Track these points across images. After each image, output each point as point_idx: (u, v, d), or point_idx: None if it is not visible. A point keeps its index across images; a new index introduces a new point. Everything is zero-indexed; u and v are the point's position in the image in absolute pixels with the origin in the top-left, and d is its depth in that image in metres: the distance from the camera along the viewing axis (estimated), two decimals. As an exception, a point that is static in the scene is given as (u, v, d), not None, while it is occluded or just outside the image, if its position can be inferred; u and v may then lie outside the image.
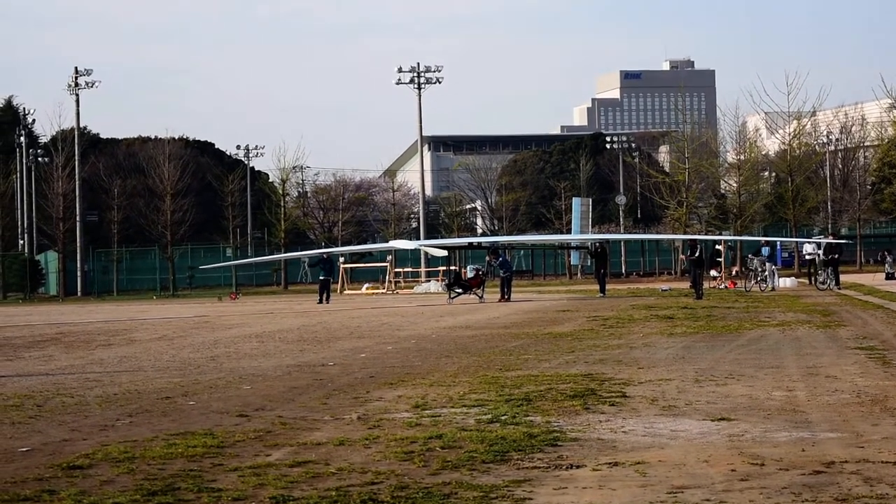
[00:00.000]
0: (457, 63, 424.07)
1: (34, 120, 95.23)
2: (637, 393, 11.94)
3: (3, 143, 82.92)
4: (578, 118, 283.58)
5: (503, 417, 10.25)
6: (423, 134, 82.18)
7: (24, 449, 9.21)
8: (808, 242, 50.91)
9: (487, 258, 44.79)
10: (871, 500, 6.76)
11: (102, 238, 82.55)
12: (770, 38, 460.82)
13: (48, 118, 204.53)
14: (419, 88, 78.25)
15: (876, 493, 6.90)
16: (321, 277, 45.10)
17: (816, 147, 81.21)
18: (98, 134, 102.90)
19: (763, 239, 48.44)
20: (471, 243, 54.84)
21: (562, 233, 75.14)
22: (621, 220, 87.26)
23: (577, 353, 17.15)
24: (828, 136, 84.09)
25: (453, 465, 8.06)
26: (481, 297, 39.86)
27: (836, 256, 43.15)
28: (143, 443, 9.32)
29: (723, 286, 46.86)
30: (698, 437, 9.13)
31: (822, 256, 43.95)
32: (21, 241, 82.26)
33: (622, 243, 77.05)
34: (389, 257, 61.70)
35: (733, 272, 54.60)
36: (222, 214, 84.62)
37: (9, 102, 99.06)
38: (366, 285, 62.38)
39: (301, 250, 74.40)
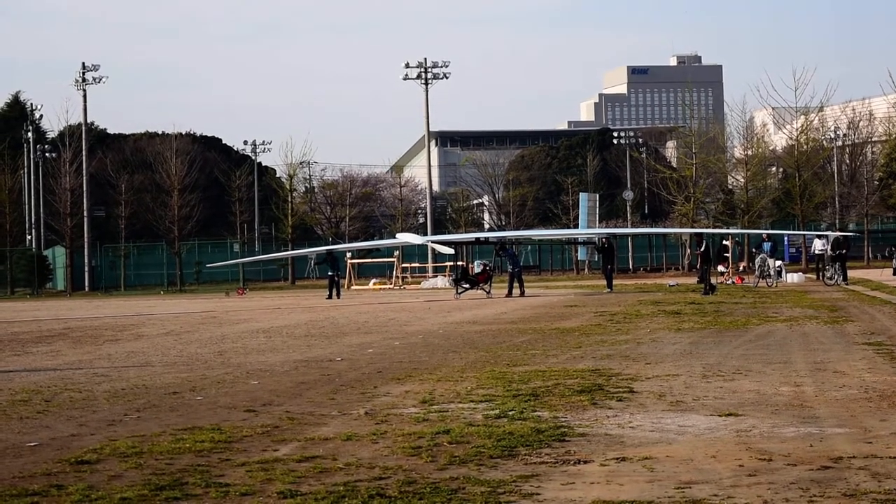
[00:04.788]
0: (464, 58, 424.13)
1: (41, 115, 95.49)
2: (644, 388, 11.93)
3: (11, 138, 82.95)
4: (585, 113, 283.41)
5: (511, 413, 10.25)
6: (431, 129, 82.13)
7: (32, 444, 9.23)
8: (816, 236, 50.84)
9: (496, 251, 44.74)
10: (878, 495, 6.75)
11: (110, 233, 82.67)
12: (777, 34, 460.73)
13: (56, 114, 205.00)
14: (426, 84, 78.21)
15: (884, 489, 6.90)
16: (329, 273, 45.32)
17: (824, 142, 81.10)
18: (105, 129, 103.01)
19: (764, 233, 48.32)
20: (478, 238, 54.81)
21: (569, 228, 75.09)
22: (628, 215, 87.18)
23: (585, 348, 17.14)
24: (835, 132, 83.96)
25: (461, 460, 8.06)
26: (488, 293, 39.84)
27: (844, 252, 43.09)
28: (151, 438, 9.33)
29: (730, 281, 46.81)
30: (706, 432, 9.12)
31: (829, 252, 43.89)
32: (29, 237, 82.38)
33: (629, 239, 77.00)
34: (397, 252, 61.70)
35: (741, 268, 54.55)
36: (229, 210, 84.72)
37: (16, 98, 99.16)
38: (373, 281, 62.38)
39: (308, 246, 74.39)
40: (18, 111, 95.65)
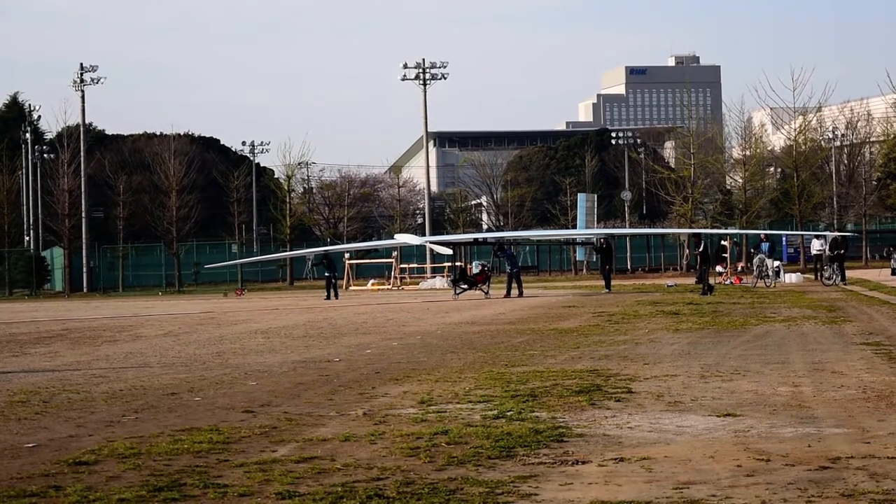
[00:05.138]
0: (462, 58, 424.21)
1: (40, 116, 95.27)
2: (643, 388, 11.93)
3: (9, 139, 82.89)
4: (584, 114, 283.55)
5: (509, 413, 10.25)
6: (429, 130, 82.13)
7: (31, 445, 9.22)
8: (815, 236, 50.86)
9: (494, 251, 44.76)
10: (876, 495, 6.75)
11: (108, 234, 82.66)
12: (775, 34, 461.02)
13: (54, 114, 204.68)
14: (424, 84, 78.20)
15: (882, 489, 6.90)
16: (325, 274, 45.39)
17: (822, 143, 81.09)
18: (104, 130, 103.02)
19: (762, 233, 48.35)
20: (476, 239, 54.82)
21: (567, 228, 75.09)
22: (627, 215, 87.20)
23: (583, 348, 17.13)
24: (833, 132, 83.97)
25: (459, 460, 8.06)
26: (487, 293, 39.84)
27: (842, 252, 43.08)
28: (149, 439, 9.32)
29: (728, 282, 46.82)
30: (704, 432, 9.12)
31: (828, 252, 43.90)
32: (27, 238, 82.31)
33: (628, 239, 77.02)
34: (395, 253, 61.69)
35: (739, 268, 54.56)
36: (228, 210, 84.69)
37: (14, 99, 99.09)
38: (371, 281, 62.38)
39: (307, 247, 74.39)
40: (17, 112, 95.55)
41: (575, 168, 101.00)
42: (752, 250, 47.12)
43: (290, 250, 73.89)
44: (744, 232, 59.00)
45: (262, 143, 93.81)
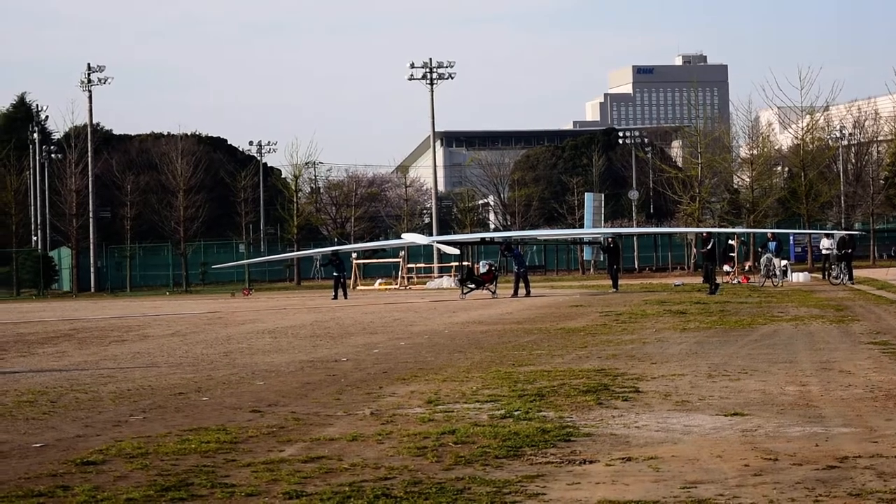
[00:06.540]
0: (469, 58, 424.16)
1: (47, 116, 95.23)
2: (650, 388, 11.92)
3: (17, 139, 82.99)
4: (591, 113, 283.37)
5: (516, 413, 10.25)
6: (436, 129, 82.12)
7: (38, 445, 9.24)
8: (824, 235, 50.78)
9: (501, 251, 44.71)
10: (884, 494, 6.75)
11: (115, 234, 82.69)
12: (782, 33, 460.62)
13: (61, 115, 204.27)
14: (431, 84, 78.19)
15: (889, 488, 6.89)
16: (334, 274, 45.39)
17: (829, 142, 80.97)
18: (111, 130, 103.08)
19: (769, 232, 48.28)
20: (483, 239, 54.78)
21: (574, 228, 75.04)
22: (634, 215, 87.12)
23: (590, 348, 17.12)
24: (841, 131, 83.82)
25: (466, 460, 8.06)
26: (494, 293, 39.81)
27: (850, 251, 43.01)
28: (157, 438, 9.34)
29: (736, 281, 46.76)
30: (711, 432, 9.11)
31: (835, 251, 43.82)
32: (34, 238, 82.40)
33: (635, 238, 76.91)
34: (402, 253, 61.67)
35: (746, 267, 54.50)
36: (235, 210, 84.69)
37: (22, 99, 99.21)
38: (378, 281, 62.37)
39: (314, 246, 74.39)
40: (24, 112, 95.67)
41: (582, 167, 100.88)
42: (759, 249, 47.06)
43: (298, 250, 73.88)
44: (751, 231, 58.93)
45: (269, 143, 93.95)
